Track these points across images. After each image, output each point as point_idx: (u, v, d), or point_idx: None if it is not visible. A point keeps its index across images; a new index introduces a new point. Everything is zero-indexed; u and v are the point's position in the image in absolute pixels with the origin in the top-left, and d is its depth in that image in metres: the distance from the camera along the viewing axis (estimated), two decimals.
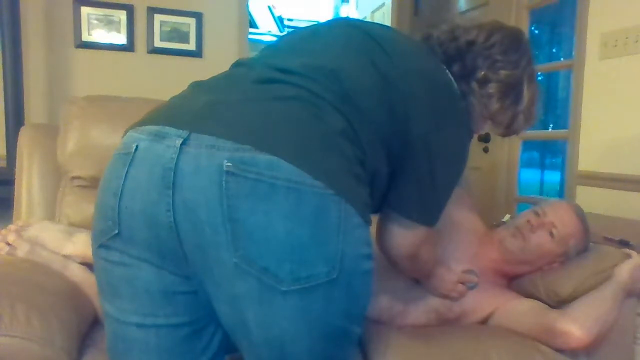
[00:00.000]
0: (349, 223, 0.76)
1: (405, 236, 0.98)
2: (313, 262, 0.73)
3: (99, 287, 0.87)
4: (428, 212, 0.97)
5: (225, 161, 0.72)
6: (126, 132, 0.85)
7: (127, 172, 0.78)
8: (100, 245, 0.83)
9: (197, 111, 0.79)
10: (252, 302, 0.75)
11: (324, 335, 0.79)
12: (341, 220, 0.75)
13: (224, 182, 0.72)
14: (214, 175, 0.72)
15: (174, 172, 0.74)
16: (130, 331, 0.84)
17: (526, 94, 1.04)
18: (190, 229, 0.74)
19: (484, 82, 1.00)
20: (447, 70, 0.98)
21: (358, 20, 1.08)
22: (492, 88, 1.00)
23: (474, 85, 1.00)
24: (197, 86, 0.89)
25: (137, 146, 0.79)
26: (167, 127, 0.78)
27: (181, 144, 0.74)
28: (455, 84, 0.98)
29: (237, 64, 0.96)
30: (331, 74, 0.85)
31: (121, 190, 0.78)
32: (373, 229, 0.95)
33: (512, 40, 1.03)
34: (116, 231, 0.79)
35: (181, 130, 0.76)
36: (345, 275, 0.76)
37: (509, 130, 1.08)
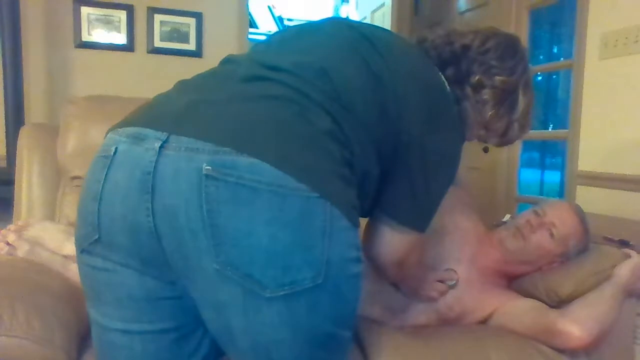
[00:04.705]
0: (335, 226, 0.73)
1: (395, 242, 0.96)
2: (297, 268, 0.71)
3: (84, 293, 0.86)
4: (420, 218, 0.95)
5: (205, 164, 0.69)
6: (107, 133, 0.82)
7: (106, 175, 0.75)
8: (82, 250, 0.81)
9: (178, 112, 0.76)
10: (236, 309, 0.73)
11: (311, 341, 0.77)
12: (327, 224, 0.72)
13: (203, 186, 0.69)
14: (193, 179, 0.70)
15: (152, 176, 0.71)
16: (116, 337, 0.83)
17: (521, 101, 1.02)
18: (171, 234, 0.72)
19: (478, 87, 0.98)
20: (440, 74, 0.96)
21: (353, 20, 1.07)
22: (486, 94, 0.98)
23: (468, 90, 0.98)
24: (182, 85, 0.87)
25: (116, 149, 0.76)
26: (146, 129, 0.75)
27: (160, 147, 0.72)
28: (448, 88, 0.96)
29: (225, 61, 0.93)
30: (321, 72, 0.82)
31: (100, 195, 0.75)
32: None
33: (509, 47, 1.01)
34: (96, 236, 0.77)
35: (160, 132, 0.73)
36: (332, 280, 0.73)
37: (503, 139, 1.06)
